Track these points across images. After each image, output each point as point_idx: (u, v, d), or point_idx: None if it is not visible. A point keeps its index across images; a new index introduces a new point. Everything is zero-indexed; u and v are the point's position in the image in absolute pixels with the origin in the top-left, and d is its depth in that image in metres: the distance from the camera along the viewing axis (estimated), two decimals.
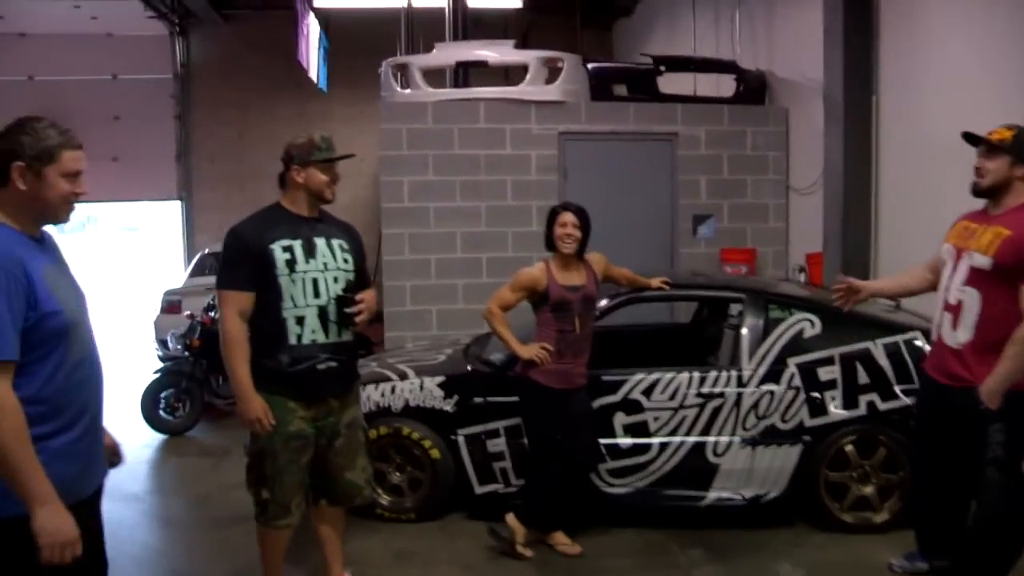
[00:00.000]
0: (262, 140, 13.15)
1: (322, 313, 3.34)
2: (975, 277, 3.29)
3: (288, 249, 3.30)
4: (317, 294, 3.34)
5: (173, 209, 14.16)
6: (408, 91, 7.70)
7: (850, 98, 6.45)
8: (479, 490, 4.69)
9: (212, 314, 7.06)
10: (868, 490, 4.51)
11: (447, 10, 9.27)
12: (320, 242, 3.39)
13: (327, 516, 3.65)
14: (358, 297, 3.37)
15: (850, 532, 4.49)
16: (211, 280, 9.36)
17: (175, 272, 13.15)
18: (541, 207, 7.72)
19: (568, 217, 4.18)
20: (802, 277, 7.16)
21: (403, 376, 4.86)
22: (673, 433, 4.57)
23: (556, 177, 7.71)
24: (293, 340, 3.31)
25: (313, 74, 10.33)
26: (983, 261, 3.24)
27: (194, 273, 10.18)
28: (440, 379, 4.76)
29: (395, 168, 7.50)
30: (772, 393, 4.55)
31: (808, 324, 4.66)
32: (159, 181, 13.71)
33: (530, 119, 7.61)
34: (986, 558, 3.35)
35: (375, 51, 13.35)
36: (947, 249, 3.50)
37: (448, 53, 8.03)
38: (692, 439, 4.56)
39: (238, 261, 3.32)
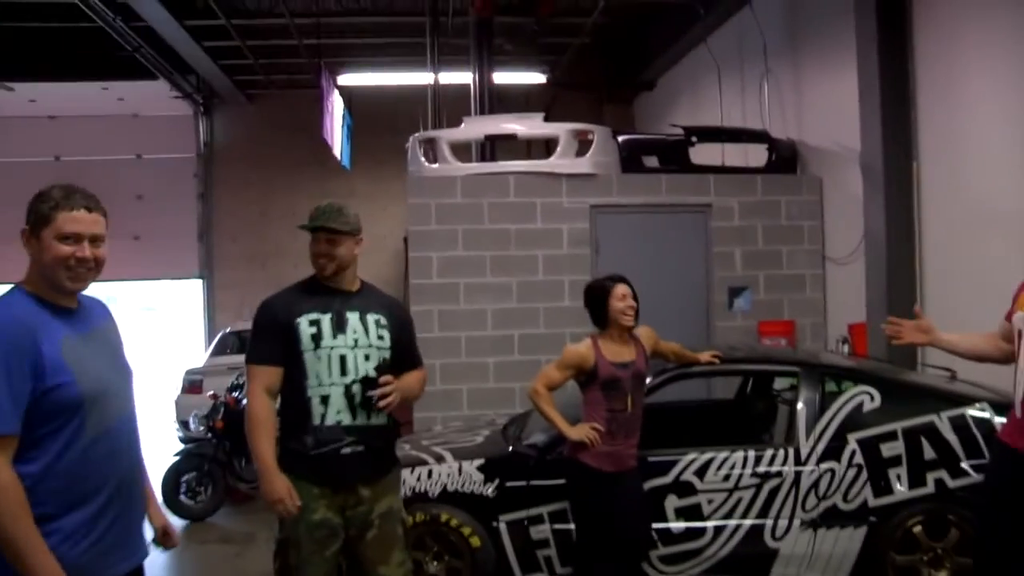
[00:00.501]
0: (284, 218, 13.20)
1: (349, 393, 3.12)
2: None
3: (315, 323, 3.13)
4: (344, 372, 3.12)
5: (194, 288, 14.15)
6: (436, 165, 7.64)
7: (890, 165, 6.32)
8: None
9: (236, 394, 6.87)
10: (942, 575, 4.22)
11: (472, 85, 9.30)
12: (352, 317, 3.19)
13: None
14: (383, 379, 3.11)
15: None
16: (233, 360, 9.43)
17: (195, 351, 13.05)
18: (573, 282, 7.58)
19: (625, 288, 3.99)
20: (845, 348, 6.91)
21: (440, 459, 4.63)
22: (728, 516, 4.32)
23: (588, 251, 7.56)
24: (317, 420, 3.10)
25: (337, 151, 10.36)
26: None
27: (216, 352, 10.06)
28: (480, 462, 4.53)
29: (424, 243, 7.38)
30: (832, 471, 4.30)
31: (868, 397, 4.44)
32: (180, 259, 13.75)
33: (561, 192, 7.51)
34: None
35: (397, 129, 13.49)
36: (1021, 317, 3.24)
37: (477, 127, 7.99)
38: (749, 522, 4.30)
39: (266, 334, 3.17)
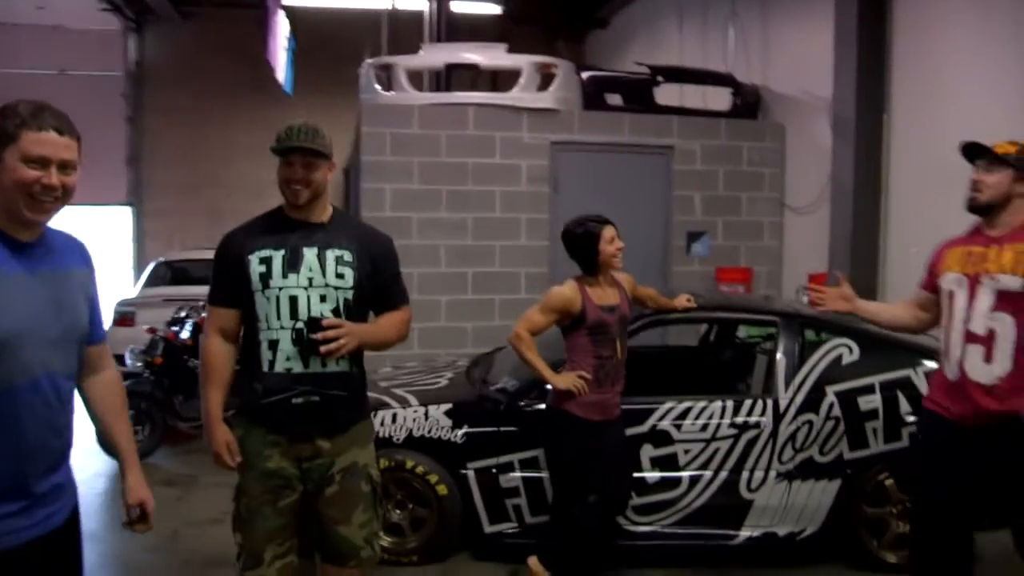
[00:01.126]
0: (219, 146, 12.59)
1: (300, 338, 2.77)
2: (1005, 301, 2.95)
3: (265, 261, 2.78)
4: (295, 314, 2.77)
5: (122, 216, 13.40)
6: (392, 93, 7.24)
7: (861, 117, 6.23)
8: (489, 529, 4.26)
9: (176, 329, 6.49)
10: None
11: (427, 12, 8.85)
12: (310, 253, 2.81)
13: None
14: (327, 321, 2.74)
15: (888, 571, 4.18)
16: (168, 291, 8.97)
17: (122, 282, 12.42)
18: (531, 220, 7.37)
19: (613, 231, 3.81)
20: (804, 299, 6.88)
21: (404, 403, 4.40)
22: (704, 466, 4.21)
23: (546, 189, 7.32)
24: (266, 367, 2.78)
25: (280, 76, 9.78)
26: (1014, 282, 2.93)
27: (148, 283, 9.54)
28: (447, 407, 4.32)
29: (378, 175, 7.03)
30: (810, 424, 4.22)
31: (847, 350, 4.36)
32: (107, 186, 12.95)
33: (521, 127, 7.22)
34: None
35: (340, 56, 12.96)
36: (954, 278, 3.12)
37: (436, 55, 7.60)
38: (724, 473, 4.21)
39: (221, 273, 2.88)
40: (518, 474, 4.21)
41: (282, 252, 2.80)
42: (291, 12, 11.05)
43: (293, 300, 2.77)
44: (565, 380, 3.70)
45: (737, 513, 4.24)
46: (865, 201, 6.29)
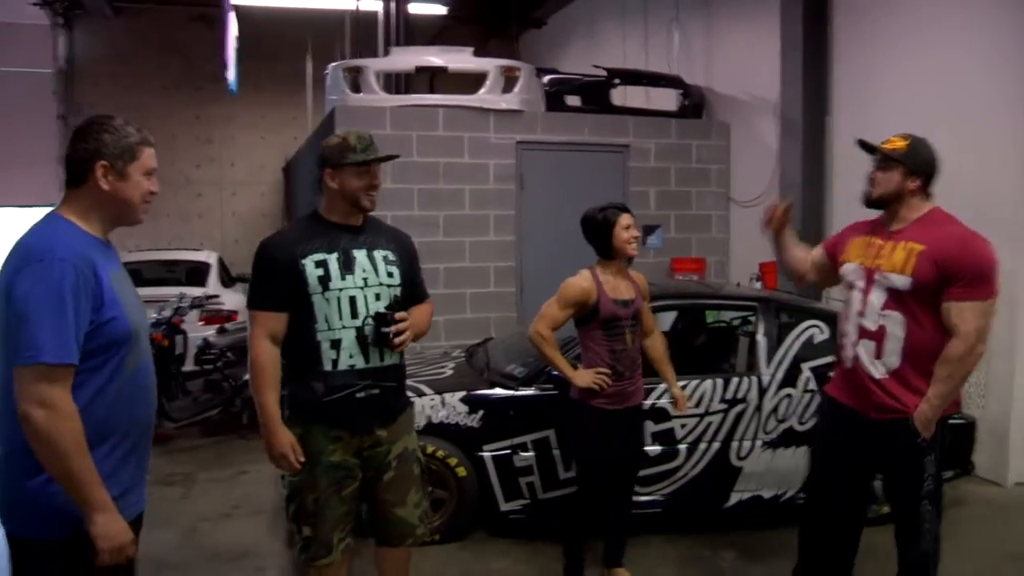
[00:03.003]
0: (157, 144, 12.34)
1: (360, 335, 2.96)
2: (895, 300, 2.98)
3: (321, 264, 2.94)
4: (355, 314, 2.95)
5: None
6: (360, 95, 7.44)
7: (808, 118, 6.77)
8: (504, 507, 4.59)
9: (162, 330, 6.58)
10: (875, 483, 4.74)
11: (382, 14, 9.05)
12: (360, 255, 3.01)
13: (389, 559, 3.26)
14: (399, 315, 2.96)
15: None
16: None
17: None
18: (498, 216, 7.71)
19: (630, 218, 3.91)
20: (758, 285, 7.44)
21: (419, 392, 4.68)
22: (699, 439, 4.64)
23: (513, 186, 7.67)
24: (328, 366, 2.94)
25: (231, 75, 9.79)
26: (902, 282, 2.95)
27: None
28: (461, 394, 4.62)
29: None
30: (790, 397, 4.71)
31: (818, 330, 4.86)
32: (36, 186, 12.57)
33: (488, 128, 7.54)
34: None
35: (279, 56, 12.99)
36: (853, 269, 3.16)
37: (406, 58, 7.81)
38: (717, 444, 4.66)
39: (268, 278, 2.97)
40: (531, 453, 4.55)
41: (335, 255, 2.97)
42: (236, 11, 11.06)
43: (352, 300, 2.96)
44: (585, 378, 3.80)
45: (728, 479, 4.70)
46: (812, 196, 6.85)
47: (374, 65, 7.51)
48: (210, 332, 7.59)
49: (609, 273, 3.93)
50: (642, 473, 4.50)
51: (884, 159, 3.07)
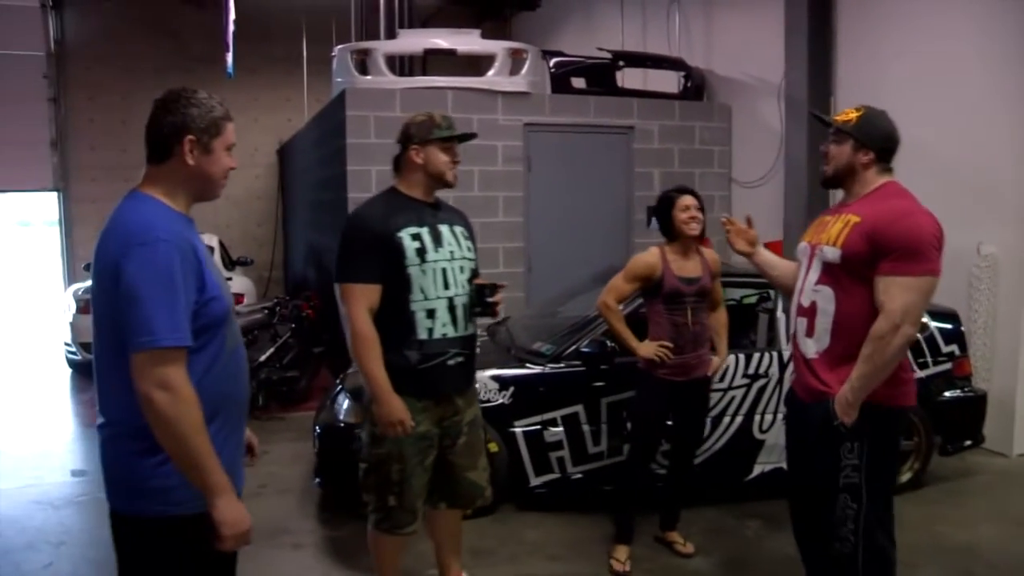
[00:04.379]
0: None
1: (451, 305, 3.17)
2: (827, 274, 2.82)
3: (417, 237, 3.09)
4: (447, 285, 3.15)
5: (48, 201, 12.94)
6: (369, 78, 7.47)
7: (813, 98, 6.88)
8: (534, 481, 4.70)
9: None
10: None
11: None
12: (444, 229, 3.20)
13: (445, 519, 3.49)
14: (500, 284, 3.26)
15: None
16: None
17: (52, 269, 12.07)
18: (507, 198, 7.77)
19: (689, 200, 3.99)
20: None
21: None
22: (723, 413, 4.77)
23: (521, 168, 7.74)
24: (423, 335, 3.12)
25: (229, 59, 9.75)
26: (833, 254, 2.78)
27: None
28: (492, 372, 4.71)
29: (362, 157, 7.26)
30: None
31: None
32: (31, 171, 12.48)
33: (496, 110, 7.59)
34: None
35: (270, 37, 12.92)
36: (802, 248, 3.02)
37: (414, 40, 7.85)
38: (740, 418, 4.79)
39: (365, 251, 3.07)
40: (560, 428, 4.66)
41: (425, 229, 3.13)
42: None
43: (444, 272, 3.14)
44: (648, 349, 3.94)
45: (750, 452, 4.84)
46: (816, 175, 6.95)
47: (383, 48, 7.53)
48: None
49: (675, 252, 4.04)
50: (668, 447, 4.63)
51: (836, 132, 2.90)
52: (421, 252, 3.09)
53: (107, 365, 2.11)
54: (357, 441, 3.48)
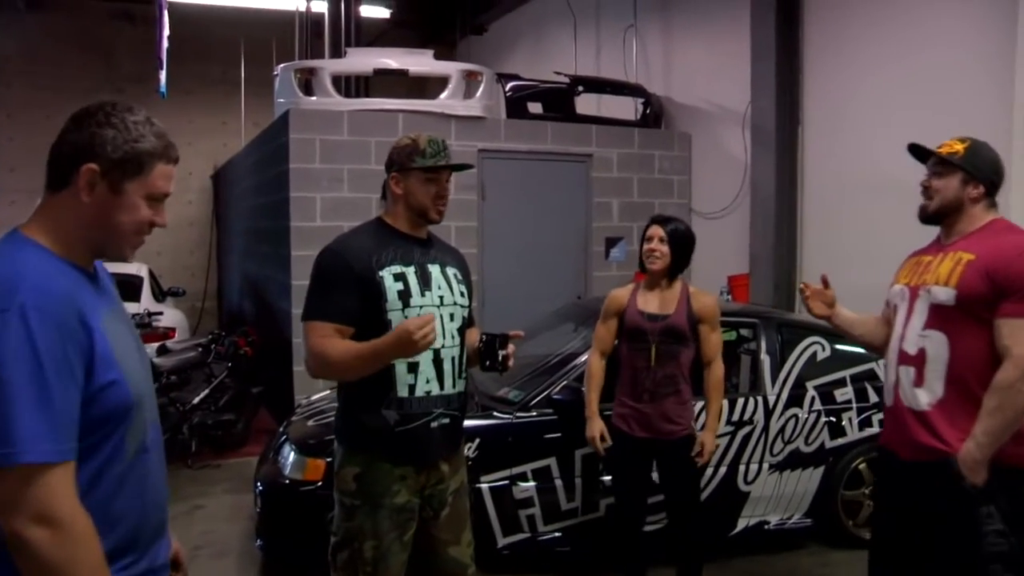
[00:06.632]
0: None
1: (437, 359, 2.68)
2: (938, 317, 2.58)
3: (400, 277, 2.64)
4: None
5: None
6: (314, 99, 7.01)
7: (780, 127, 6.68)
8: (502, 542, 4.26)
9: None
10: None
11: (328, 15, 8.63)
12: (435, 270, 2.73)
13: None
14: (514, 334, 2.75)
15: (862, 547, 4.52)
16: None
17: None
18: (460, 228, 7.36)
19: (654, 230, 3.64)
20: (728, 298, 7.30)
21: None
22: (706, 464, 4.40)
23: (475, 196, 7.35)
24: (404, 392, 2.63)
25: (163, 77, 9.17)
26: (946, 294, 2.56)
27: None
28: None
29: (306, 183, 6.78)
30: (796, 417, 4.54)
31: (820, 347, 4.70)
32: None
33: (450, 134, 7.18)
34: None
35: (208, 57, 12.36)
36: (898, 291, 2.78)
37: (364, 60, 7.42)
38: (724, 468, 4.43)
39: (336, 287, 2.60)
40: (531, 483, 4.24)
41: (412, 269, 2.68)
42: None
43: None
44: (592, 430, 3.73)
45: (735, 505, 4.48)
46: (784, 206, 6.75)
47: (330, 67, 7.09)
48: (149, 353, 7.01)
49: (645, 286, 3.73)
50: (651, 501, 4.24)
51: (940, 164, 2.69)
52: (404, 295, 2.64)
53: None
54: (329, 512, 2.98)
